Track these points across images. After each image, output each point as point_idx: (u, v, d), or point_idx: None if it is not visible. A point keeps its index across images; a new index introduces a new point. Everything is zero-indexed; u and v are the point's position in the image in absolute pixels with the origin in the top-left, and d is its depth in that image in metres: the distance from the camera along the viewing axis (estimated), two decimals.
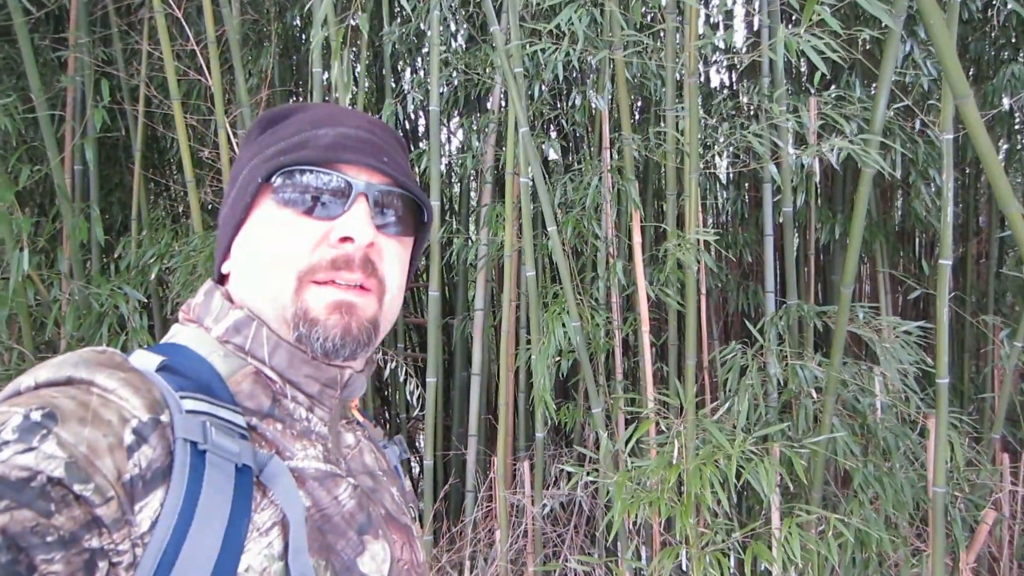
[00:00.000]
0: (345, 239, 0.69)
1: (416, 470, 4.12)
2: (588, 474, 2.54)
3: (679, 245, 2.48)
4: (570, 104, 3.14)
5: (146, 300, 2.65)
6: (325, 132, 0.73)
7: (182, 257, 2.68)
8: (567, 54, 2.55)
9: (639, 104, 3.84)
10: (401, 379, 3.42)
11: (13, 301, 2.39)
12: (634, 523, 2.67)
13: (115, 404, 0.56)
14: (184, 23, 2.91)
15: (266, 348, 0.70)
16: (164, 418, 0.57)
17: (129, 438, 0.54)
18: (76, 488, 0.49)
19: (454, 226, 3.65)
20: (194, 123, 3.12)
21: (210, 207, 3.18)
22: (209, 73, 2.79)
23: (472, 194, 3.69)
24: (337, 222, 0.70)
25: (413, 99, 3.26)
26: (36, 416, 0.51)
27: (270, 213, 0.71)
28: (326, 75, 2.81)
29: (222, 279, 0.77)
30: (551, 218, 2.61)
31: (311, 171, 0.70)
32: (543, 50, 2.57)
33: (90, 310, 2.51)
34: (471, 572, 2.97)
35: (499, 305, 3.17)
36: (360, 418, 0.85)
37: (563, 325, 2.62)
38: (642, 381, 2.85)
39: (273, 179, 0.71)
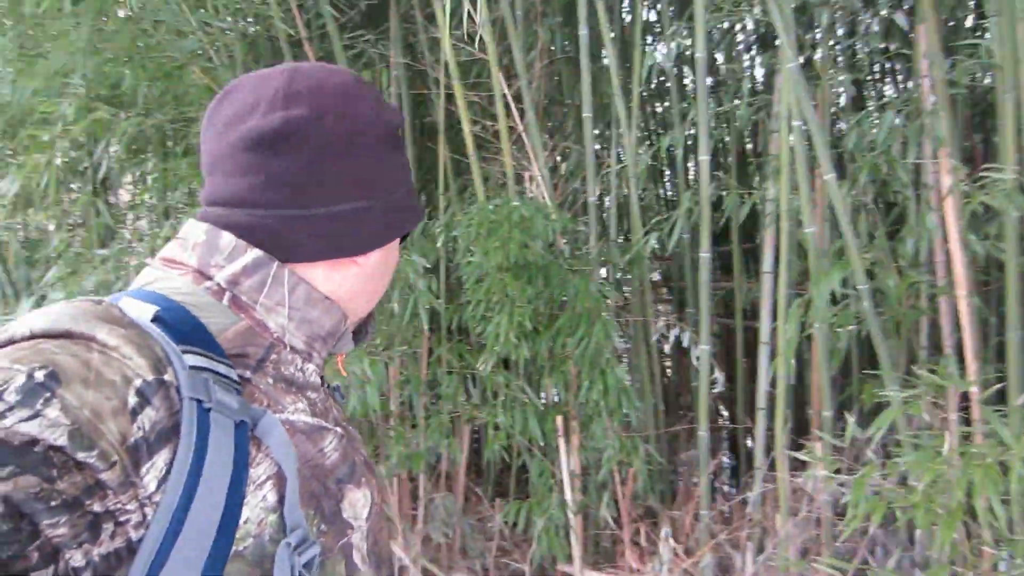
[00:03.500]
0: None
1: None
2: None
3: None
4: (863, 30, 2.69)
5: (429, 266, 2.89)
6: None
7: (464, 224, 2.85)
8: None
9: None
10: (685, 345, 3.27)
11: None
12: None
13: (117, 363, 0.55)
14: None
15: (286, 287, 0.71)
16: (168, 377, 0.57)
17: (133, 400, 0.54)
18: (79, 456, 0.50)
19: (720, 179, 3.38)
20: (475, 99, 3.29)
21: (489, 179, 3.34)
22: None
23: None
24: None
25: (676, 47, 3.05)
26: (39, 376, 0.51)
27: (396, 243, 0.82)
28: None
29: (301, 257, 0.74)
30: (827, 165, 2.27)
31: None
32: None
33: None
34: (755, 555, 2.75)
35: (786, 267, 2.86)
36: (342, 370, 0.91)
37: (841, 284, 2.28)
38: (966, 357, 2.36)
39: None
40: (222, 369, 0.62)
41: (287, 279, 0.71)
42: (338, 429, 0.74)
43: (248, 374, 0.67)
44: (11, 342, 0.55)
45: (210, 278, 0.69)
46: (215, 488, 0.56)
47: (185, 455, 0.55)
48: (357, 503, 0.72)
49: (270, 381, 0.68)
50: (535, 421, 2.73)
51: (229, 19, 3.04)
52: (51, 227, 3.16)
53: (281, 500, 0.62)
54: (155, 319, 0.61)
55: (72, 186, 3.45)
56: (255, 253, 0.69)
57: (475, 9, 2.99)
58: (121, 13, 2.73)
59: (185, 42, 2.79)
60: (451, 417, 2.96)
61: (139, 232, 3.35)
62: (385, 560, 0.78)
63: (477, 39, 2.99)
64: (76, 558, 0.49)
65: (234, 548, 0.57)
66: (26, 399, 0.49)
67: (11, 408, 0.48)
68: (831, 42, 2.86)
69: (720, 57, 3.45)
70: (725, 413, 4.18)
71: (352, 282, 0.76)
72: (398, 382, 3.04)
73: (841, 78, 2.78)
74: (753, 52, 3.64)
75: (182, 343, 0.60)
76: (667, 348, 4.15)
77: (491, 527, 3.02)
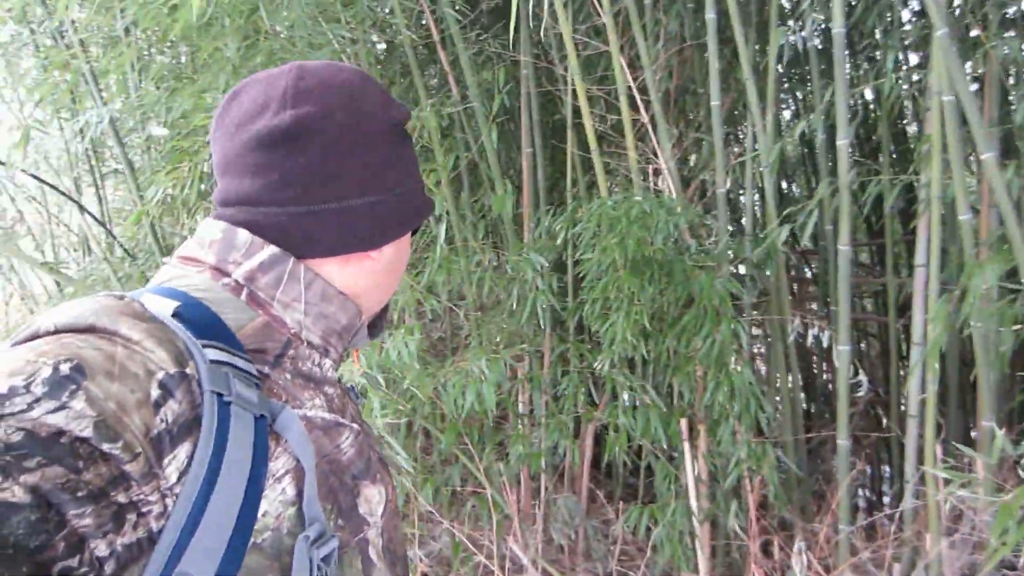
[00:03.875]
0: None
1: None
2: None
3: None
4: None
5: (546, 264, 2.86)
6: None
7: (585, 220, 2.79)
8: None
9: None
10: (825, 345, 3.03)
11: (448, 268, 2.83)
12: None
13: (140, 356, 0.56)
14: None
15: (302, 283, 0.72)
16: (190, 370, 0.58)
17: (155, 393, 0.55)
18: (104, 447, 0.50)
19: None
20: (601, 93, 3.22)
21: (617, 174, 3.25)
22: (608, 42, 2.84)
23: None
24: None
25: (811, 22, 2.81)
26: (65, 369, 0.51)
27: (408, 236, 0.83)
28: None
29: (318, 252, 0.75)
30: (984, 143, 2.01)
31: None
32: None
33: (504, 274, 2.84)
34: None
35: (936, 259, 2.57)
36: (357, 366, 0.98)
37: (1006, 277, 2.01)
38: None
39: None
40: (241, 364, 0.63)
41: (303, 275, 0.71)
42: (354, 425, 0.75)
43: (266, 369, 0.67)
44: (35, 336, 0.56)
45: (228, 275, 0.70)
46: (234, 481, 0.56)
47: (205, 448, 0.56)
48: (372, 499, 0.73)
49: (288, 376, 0.69)
50: (658, 423, 2.63)
51: (367, 29, 3.19)
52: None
53: (299, 494, 0.63)
54: (175, 314, 0.62)
55: None
56: (271, 250, 0.70)
57: (599, 1, 2.92)
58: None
59: (318, 54, 2.93)
60: (572, 417, 2.92)
61: None
62: (400, 558, 0.78)
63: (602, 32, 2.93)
64: (100, 548, 0.49)
65: (252, 540, 0.58)
66: (52, 391, 0.50)
67: (38, 400, 0.49)
68: (999, 4, 2.54)
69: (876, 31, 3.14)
70: (885, 420, 3.85)
71: (366, 276, 0.77)
72: (518, 380, 3.04)
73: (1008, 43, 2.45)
74: (908, 23, 3.31)
75: (202, 338, 0.61)
76: (815, 348, 3.89)
77: (615, 530, 2.95)
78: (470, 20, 3.28)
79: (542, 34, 3.18)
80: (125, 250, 3.67)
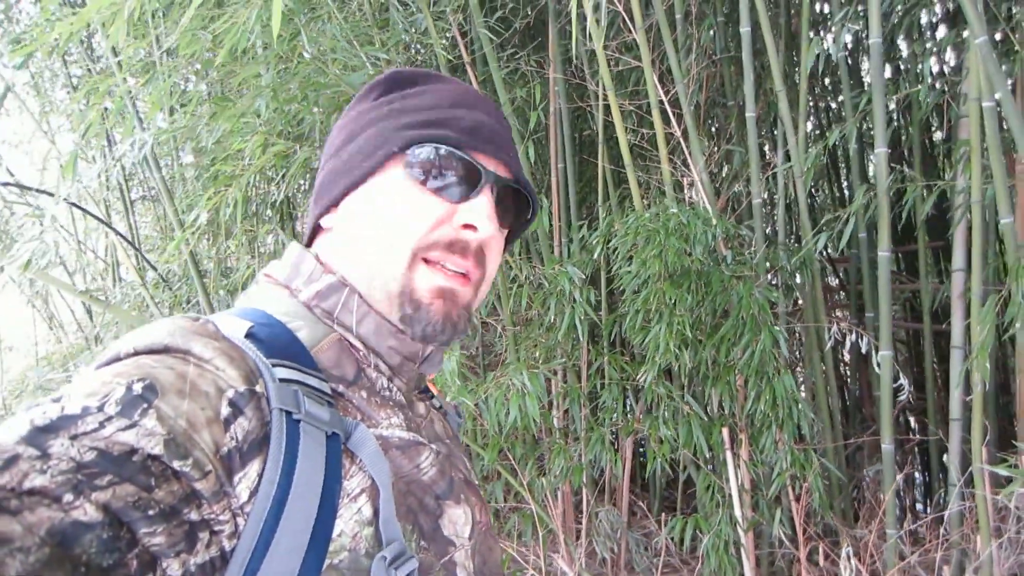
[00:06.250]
0: (468, 226, 0.71)
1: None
2: None
3: None
4: None
5: (585, 277, 2.88)
6: (463, 115, 0.74)
7: (622, 234, 2.82)
8: None
9: None
10: (863, 351, 3.04)
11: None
12: None
13: (211, 375, 0.56)
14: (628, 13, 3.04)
15: (354, 316, 0.71)
16: (259, 388, 0.58)
17: (225, 411, 0.55)
18: (175, 464, 0.50)
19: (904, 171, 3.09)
20: (632, 108, 3.26)
21: (649, 187, 3.29)
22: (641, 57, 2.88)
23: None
24: (462, 207, 0.71)
25: (849, 32, 2.85)
26: (137, 388, 0.52)
27: (396, 183, 0.72)
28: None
29: (314, 233, 0.79)
30: None
31: (449, 152, 0.72)
32: None
33: (541, 288, 2.86)
34: None
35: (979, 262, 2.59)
36: (434, 390, 0.86)
37: None
38: None
39: (409, 150, 0.72)
40: (313, 382, 0.63)
41: (356, 308, 0.72)
42: (434, 446, 0.73)
43: (342, 388, 0.68)
44: (116, 359, 0.58)
45: (297, 297, 0.73)
46: (306, 499, 0.56)
47: (274, 466, 0.55)
48: (458, 520, 0.71)
49: (364, 395, 0.69)
50: (700, 433, 2.65)
51: (399, 52, 3.24)
52: (239, 256, 3.47)
53: (376, 513, 0.61)
54: (248, 335, 0.63)
55: (265, 217, 3.80)
56: (329, 279, 0.72)
57: (630, 17, 2.97)
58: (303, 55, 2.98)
59: (354, 76, 2.98)
60: (612, 430, 2.93)
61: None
62: None
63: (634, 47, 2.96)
64: (173, 567, 0.49)
65: (329, 561, 0.57)
66: (125, 410, 0.50)
67: (110, 419, 0.50)
68: None
69: (902, 42, 3.18)
70: (915, 425, 3.85)
71: (335, 251, 0.75)
72: (557, 394, 3.05)
73: None
74: (938, 32, 3.35)
75: (273, 357, 0.62)
76: (847, 356, 3.90)
77: (657, 542, 2.95)
78: (503, 40, 3.32)
79: (573, 51, 3.23)
80: (160, 275, 3.71)
